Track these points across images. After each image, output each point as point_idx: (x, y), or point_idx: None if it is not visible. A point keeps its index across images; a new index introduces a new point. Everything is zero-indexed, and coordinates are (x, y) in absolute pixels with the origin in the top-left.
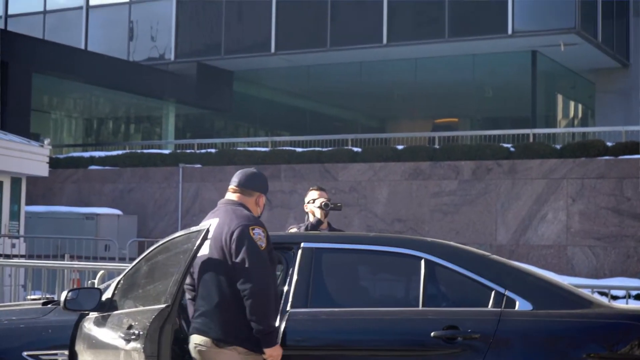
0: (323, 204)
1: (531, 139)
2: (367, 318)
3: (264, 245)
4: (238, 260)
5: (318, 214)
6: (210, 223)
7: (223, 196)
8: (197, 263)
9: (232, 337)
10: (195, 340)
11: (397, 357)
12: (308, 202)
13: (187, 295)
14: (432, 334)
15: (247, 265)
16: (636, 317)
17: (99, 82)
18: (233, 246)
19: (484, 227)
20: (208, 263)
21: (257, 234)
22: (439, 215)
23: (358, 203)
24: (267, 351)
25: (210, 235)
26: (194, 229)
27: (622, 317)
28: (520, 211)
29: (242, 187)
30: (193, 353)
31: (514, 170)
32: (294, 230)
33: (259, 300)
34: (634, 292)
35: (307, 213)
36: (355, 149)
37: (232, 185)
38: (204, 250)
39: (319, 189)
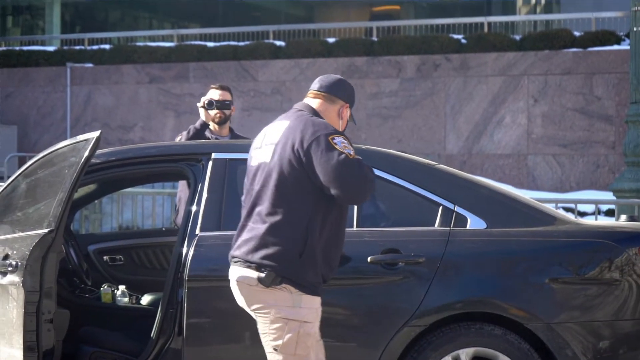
0: (206, 102)
1: (486, 29)
2: None
3: (352, 152)
4: (324, 178)
5: (202, 115)
6: (275, 126)
7: (120, 101)
8: (251, 170)
9: (287, 271)
10: (236, 274)
11: (327, 286)
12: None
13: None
14: (368, 259)
15: (341, 181)
16: (606, 234)
17: None
18: (314, 160)
19: (430, 134)
20: (267, 174)
21: (340, 142)
22: (377, 120)
23: (282, 107)
24: None
25: (275, 140)
26: (81, 137)
27: (591, 235)
28: (473, 114)
29: (325, 91)
30: (237, 289)
31: (466, 65)
32: (179, 138)
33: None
34: (604, 207)
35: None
36: (278, 43)
37: (313, 89)
38: (263, 157)
39: (220, 87)
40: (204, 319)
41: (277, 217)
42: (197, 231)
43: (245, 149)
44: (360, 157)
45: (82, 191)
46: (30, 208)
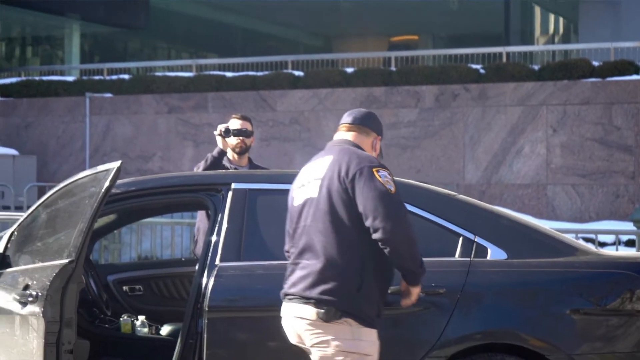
0: (223, 129)
1: (504, 59)
2: None
3: (393, 188)
4: (363, 208)
5: (219, 143)
6: (316, 164)
7: (139, 131)
8: (295, 209)
9: (347, 305)
10: (293, 311)
11: None
12: None
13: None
14: (389, 289)
15: (378, 212)
16: (627, 265)
17: None
18: (356, 191)
19: (449, 164)
20: (317, 208)
21: (384, 176)
22: (396, 150)
23: (300, 137)
24: (413, 289)
25: (320, 175)
26: (101, 167)
27: (611, 266)
28: (492, 144)
29: (359, 124)
30: (292, 326)
31: (485, 95)
32: (197, 168)
33: (401, 243)
34: (624, 237)
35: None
36: (297, 73)
37: (346, 122)
38: (309, 192)
39: (241, 117)
40: (223, 349)
41: (331, 251)
42: (217, 261)
43: (265, 179)
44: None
45: (101, 221)
46: (50, 238)
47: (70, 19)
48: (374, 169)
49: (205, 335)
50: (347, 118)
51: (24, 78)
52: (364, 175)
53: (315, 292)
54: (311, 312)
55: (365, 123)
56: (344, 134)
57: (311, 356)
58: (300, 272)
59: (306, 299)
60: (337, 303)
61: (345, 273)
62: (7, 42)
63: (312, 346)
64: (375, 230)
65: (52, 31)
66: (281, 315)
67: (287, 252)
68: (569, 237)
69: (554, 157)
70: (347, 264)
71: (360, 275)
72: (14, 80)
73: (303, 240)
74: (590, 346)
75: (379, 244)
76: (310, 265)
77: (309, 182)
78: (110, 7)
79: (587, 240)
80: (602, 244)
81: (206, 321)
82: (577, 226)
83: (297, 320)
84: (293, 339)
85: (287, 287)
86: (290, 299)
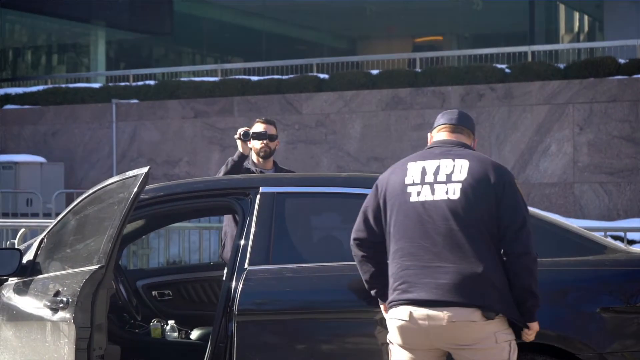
0: (242, 133)
1: (529, 58)
2: (339, 274)
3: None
4: (509, 217)
5: (240, 146)
6: (442, 164)
7: (166, 136)
8: (412, 206)
9: (502, 304)
10: (452, 315)
11: (376, 319)
12: None
13: (360, 252)
14: None
15: (524, 225)
16: None
17: (12, 5)
18: (503, 199)
19: None
20: (467, 212)
21: (519, 188)
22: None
23: (326, 139)
24: (533, 326)
25: (459, 178)
26: (130, 173)
27: None
28: (518, 144)
29: (463, 125)
30: (447, 330)
31: (510, 95)
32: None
33: (535, 265)
34: None
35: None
36: (322, 76)
37: (450, 123)
38: (445, 194)
39: (265, 121)
40: (254, 353)
41: (487, 255)
42: (246, 265)
43: (293, 182)
44: None
45: (130, 227)
46: (80, 244)
47: (95, 26)
48: (514, 180)
49: (235, 339)
50: (448, 118)
51: (50, 86)
52: (512, 186)
53: (483, 298)
54: (477, 314)
55: (467, 124)
56: (449, 135)
57: (458, 356)
58: (452, 277)
59: (469, 304)
60: (498, 305)
61: (500, 276)
62: (33, 50)
63: (472, 345)
64: (515, 240)
65: (78, 39)
66: (416, 319)
67: (369, 241)
68: (598, 235)
69: (581, 155)
70: (498, 266)
71: (504, 278)
72: (40, 88)
73: (441, 242)
74: (621, 344)
75: (513, 255)
76: (466, 269)
77: (440, 183)
78: (135, 14)
79: (615, 238)
80: (631, 242)
81: (236, 325)
82: (605, 224)
83: (457, 325)
84: (434, 343)
85: (424, 293)
86: (446, 306)
